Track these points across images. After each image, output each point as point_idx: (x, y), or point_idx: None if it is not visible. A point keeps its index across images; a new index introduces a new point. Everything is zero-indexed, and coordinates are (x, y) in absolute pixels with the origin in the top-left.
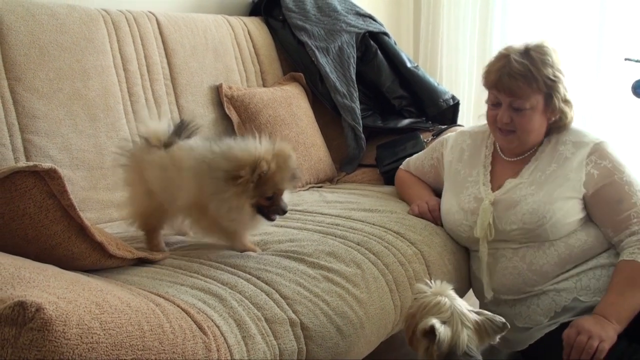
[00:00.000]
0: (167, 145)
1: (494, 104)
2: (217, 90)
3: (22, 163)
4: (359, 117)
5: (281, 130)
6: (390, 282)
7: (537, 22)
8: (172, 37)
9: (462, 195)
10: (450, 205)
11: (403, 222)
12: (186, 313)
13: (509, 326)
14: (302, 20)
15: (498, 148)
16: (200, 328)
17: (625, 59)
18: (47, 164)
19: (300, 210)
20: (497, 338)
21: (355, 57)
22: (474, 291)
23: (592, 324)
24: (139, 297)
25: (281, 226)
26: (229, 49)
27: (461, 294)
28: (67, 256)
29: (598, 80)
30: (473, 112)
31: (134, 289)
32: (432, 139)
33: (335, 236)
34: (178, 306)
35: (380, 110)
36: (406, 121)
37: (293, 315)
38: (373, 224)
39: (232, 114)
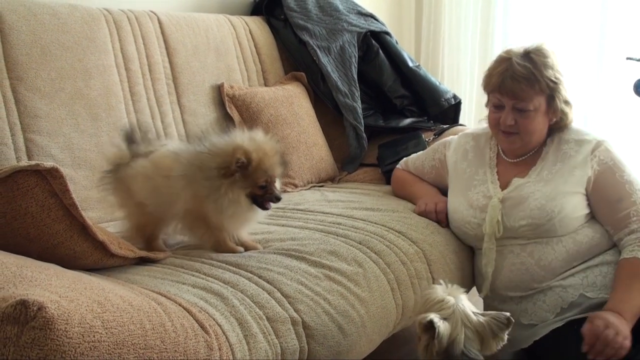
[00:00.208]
0: (135, 155)
1: (496, 107)
2: (218, 90)
3: (24, 162)
4: (361, 117)
5: (283, 129)
6: (391, 281)
7: (539, 22)
8: (174, 36)
9: (471, 193)
10: (459, 203)
11: (405, 221)
12: (188, 312)
13: (514, 320)
14: (304, 19)
15: (500, 150)
16: (202, 327)
17: (627, 58)
18: (49, 163)
19: (301, 210)
20: (506, 336)
21: (356, 56)
22: (478, 290)
23: (617, 321)
24: (140, 296)
25: (283, 225)
26: (230, 48)
27: None
28: (69, 255)
29: (600, 80)
30: (475, 112)
31: (135, 288)
32: (434, 139)
33: (337, 235)
34: (180, 305)
35: (382, 109)
36: (408, 120)
37: (295, 314)
38: (374, 223)
39: (234, 113)
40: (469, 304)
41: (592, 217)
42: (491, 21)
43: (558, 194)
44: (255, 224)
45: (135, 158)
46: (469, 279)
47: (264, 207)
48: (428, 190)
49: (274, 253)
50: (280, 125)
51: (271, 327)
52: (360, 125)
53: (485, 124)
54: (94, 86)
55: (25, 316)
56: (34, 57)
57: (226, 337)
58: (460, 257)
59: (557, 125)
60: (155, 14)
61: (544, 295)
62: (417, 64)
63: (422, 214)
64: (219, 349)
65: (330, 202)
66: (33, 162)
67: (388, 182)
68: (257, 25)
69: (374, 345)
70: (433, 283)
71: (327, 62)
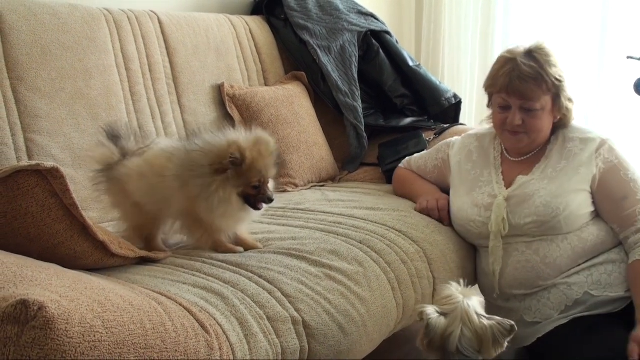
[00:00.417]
0: (126, 153)
1: (502, 108)
2: (219, 90)
3: (25, 162)
4: (361, 116)
5: (283, 129)
6: (392, 280)
7: (539, 21)
8: (174, 36)
9: (476, 193)
10: (463, 202)
11: (405, 220)
12: (188, 311)
13: (517, 329)
14: (304, 19)
15: (504, 149)
16: (203, 326)
17: (628, 57)
18: (49, 163)
19: (302, 209)
20: (506, 343)
21: (357, 55)
22: (480, 289)
23: None
24: (141, 296)
25: (283, 224)
26: (230, 48)
27: None
28: (70, 255)
29: (600, 79)
30: (475, 111)
31: (136, 288)
32: (435, 138)
33: (338, 234)
34: (180, 305)
35: (382, 109)
36: (408, 120)
37: (295, 314)
38: (375, 222)
39: (234, 113)
40: (478, 306)
41: (597, 215)
42: (492, 20)
43: (564, 191)
44: (248, 224)
45: (127, 156)
46: (471, 278)
47: (256, 208)
48: (428, 188)
49: (275, 252)
50: (281, 124)
51: (272, 326)
52: (361, 124)
53: (487, 125)
54: (95, 86)
55: (25, 316)
56: (34, 57)
57: (227, 337)
58: (461, 256)
59: (561, 123)
60: (155, 13)
61: (548, 293)
62: (418, 63)
63: (424, 211)
64: (220, 349)
65: (330, 202)
66: (33, 162)
67: (388, 182)
68: (257, 24)
69: (375, 344)
70: (434, 282)
71: (328, 62)
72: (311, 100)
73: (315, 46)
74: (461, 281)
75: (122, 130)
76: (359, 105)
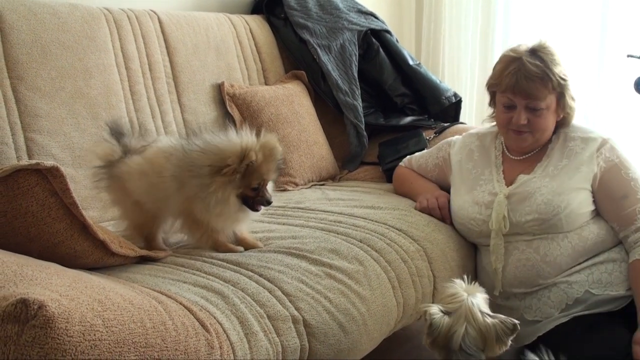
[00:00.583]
0: (127, 150)
1: (507, 107)
2: (219, 89)
3: (25, 161)
4: (361, 115)
5: (283, 128)
6: (392, 279)
7: (539, 19)
8: (174, 35)
9: (476, 191)
10: (463, 201)
11: (405, 219)
12: (189, 310)
13: (519, 328)
14: (304, 18)
15: (505, 148)
16: (203, 325)
17: (628, 56)
18: (49, 162)
19: (302, 208)
20: (509, 341)
21: (357, 54)
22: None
23: None
24: (141, 295)
25: (283, 223)
26: (230, 47)
27: None
28: (70, 254)
29: (600, 77)
30: (475, 110)
31: (136, 287)
32: (435, 137)
33: (338, 233)
34: (180, 304)
35: (383, 107)
36: (408, 119)
37: (295, 313)
38: (375, 221)
39: (234, 112)
40: (482, 304)
41: (598, 213)
42: (492, 19)
43: (565, 189)
44: (248, 224)
45: (127, 154)
46: (472, 277)
47: (254, 209)
48: (428, 186)
49: (275, 251)
50: (281, 124)
51: (272, 325)
52: (361, 123)
53: (488, 125)
54: (94, 85)
55: (25, 315)
56: (34, 57)
57: (227, 336)
58: (462, 254)
59: (563, 121)
60: (155, 13)
61: (548, 291)
62: (418, 62)
63: (425, 210)
64: (220, 348)
65: (331, 201)
66: (33, 161)
67: (389, 181)
68: (257, 24)
69: (375, 343)
70: (434, 281)
71: (328, 61)
72: (311, 99)
73: (315, 45)
74: (465, 278)
75: (125, 128)
76: (359, 104)
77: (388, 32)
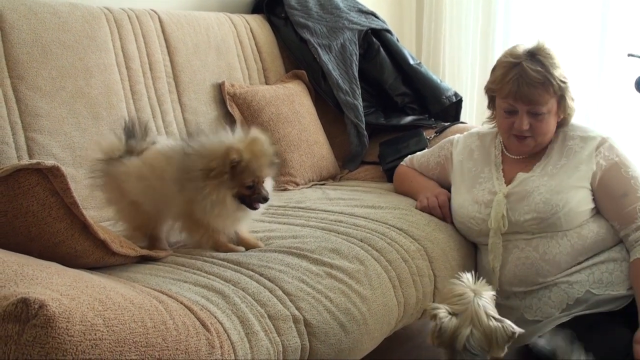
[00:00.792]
0: (130, 151)
1: (508, 112)
2: (219, 88)
3: (25, 161)
4: (362, 115)
5: (284, 127)
6: (393, 278)
7: (540, 19)
8: (175, 35)
9: (476, 190)
10: (463, 199)
11: (406, 218)
12: (189, 310)
13: (517, 336)
14: (305, 17)
15: (503, 148)
16: (204, 325)
17: (629, 55)
18: (50, 162)
19: (303, 207)
20: (506, 347)
21: (357, 54)
22: None
23: None
24: (142, 294)
25: (284, 223)
26: (231, 46)
27: None
28: (70, 254)
29: (601, 77)
30: (476, 109)
31: (137, 286)
32: (435, 136)
33: (338, 233)
34: (181, 303)
35: (383, 107)
36: (409, 118)
37: (296, 312)
38: (376, 221)
39: (235, 111)
40: (489, 305)
41: (597, 212)
42: (492, 19)
43: (563, 188)
44: (248, 223)
45: (127, 154)
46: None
47: (252, 207)
48: (428, 184)
49: (275, 251)
50: (282, 123)
51: (273, 325)
52: (362, 123)
53: (488, 127)
54: (95, 85)
55: (26, 314)
56: (34, 56)
57: (227, 335)
58: (462, 254)
59: (564, 121)
60: (155, 12)
61: (549, 291)
62: (418, 61)
63: (425, 209)
64: (221, 347)
65: (331, 200)
66: (34, 161)
67: (389, 180)
68: (257, 23)
69: (376, 342)
70: (435, 280)
71: (328, 60)
72: (312, 98)
73: (315, 45)
74: (471, 275)
75: (138, 131)
76: (359, 103)
77: (388, 31)
